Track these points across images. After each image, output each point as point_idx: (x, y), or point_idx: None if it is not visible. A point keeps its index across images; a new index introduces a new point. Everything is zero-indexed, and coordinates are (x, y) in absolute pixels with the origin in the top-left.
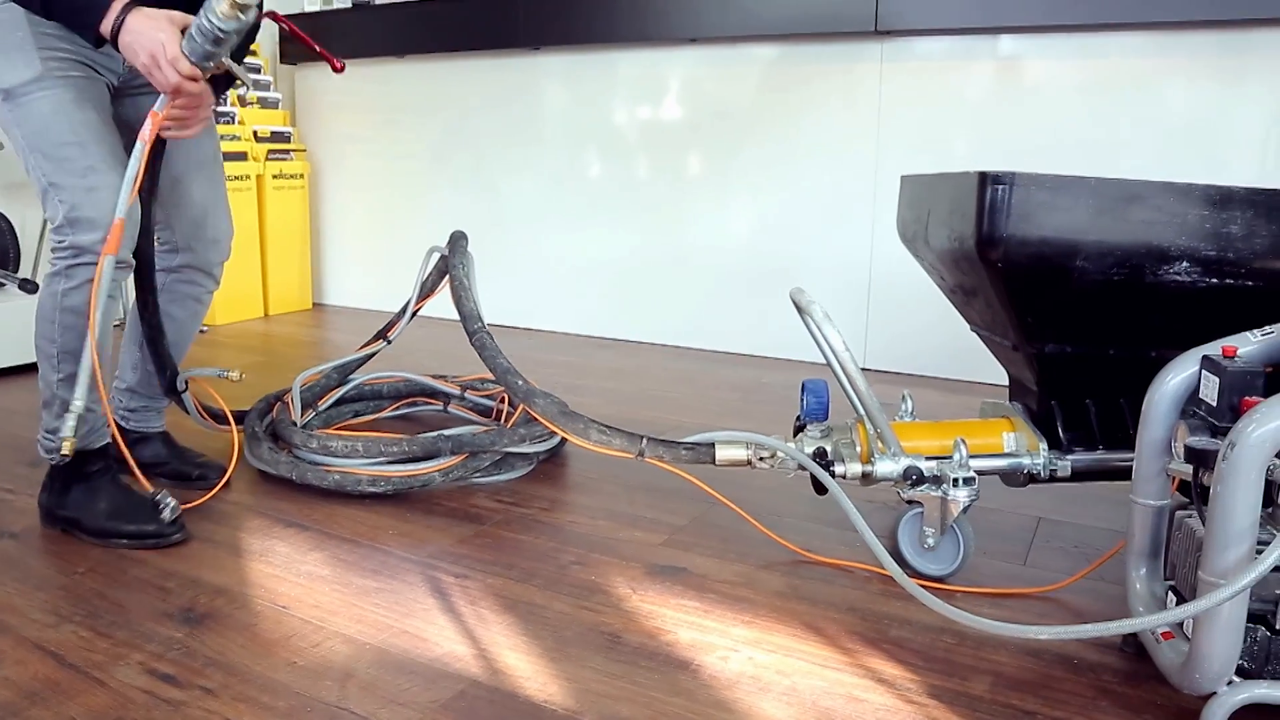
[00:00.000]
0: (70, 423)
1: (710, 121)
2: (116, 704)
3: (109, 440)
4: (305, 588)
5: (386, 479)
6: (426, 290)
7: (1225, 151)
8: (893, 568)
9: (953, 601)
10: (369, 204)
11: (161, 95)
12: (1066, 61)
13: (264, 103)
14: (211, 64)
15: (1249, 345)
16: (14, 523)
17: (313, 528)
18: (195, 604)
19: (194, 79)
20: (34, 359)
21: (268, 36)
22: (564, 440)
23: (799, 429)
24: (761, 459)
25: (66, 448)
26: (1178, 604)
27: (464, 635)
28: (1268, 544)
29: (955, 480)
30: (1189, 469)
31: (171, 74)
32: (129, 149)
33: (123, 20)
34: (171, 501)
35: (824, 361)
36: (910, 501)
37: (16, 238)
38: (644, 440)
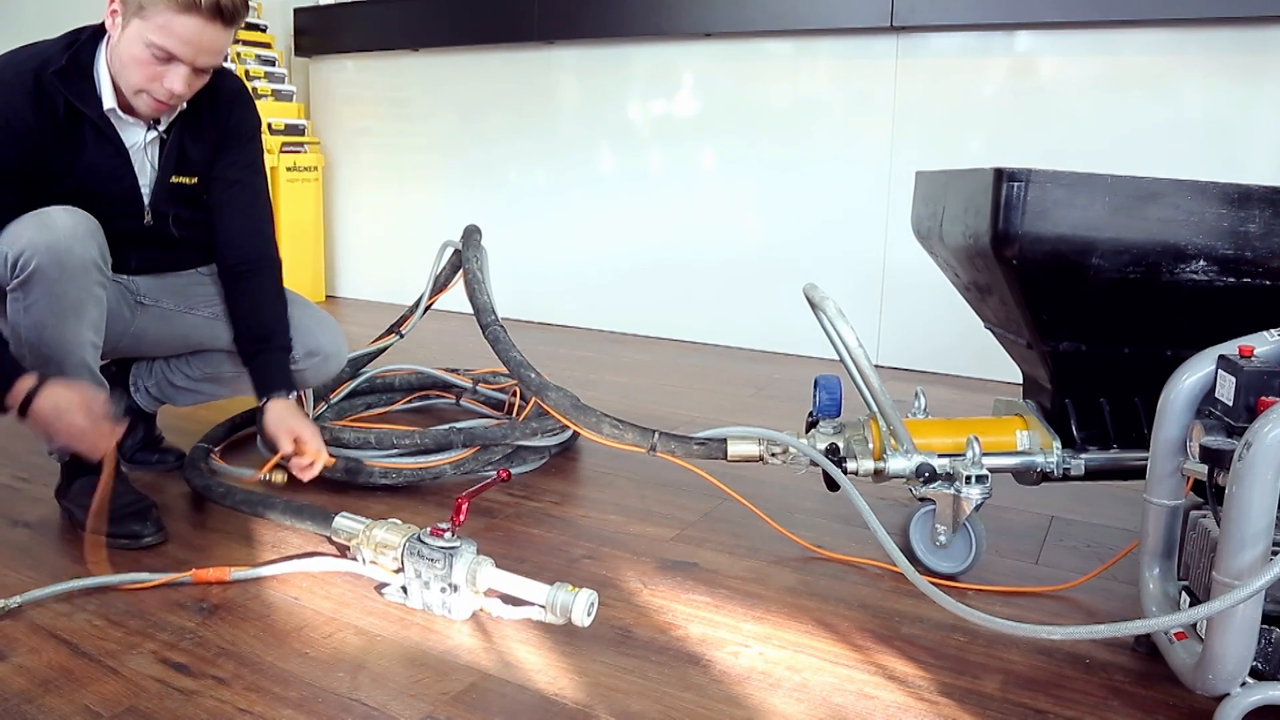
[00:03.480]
0: None
1: (724, 116)
2: (129, 692)
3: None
4: (317, 579)
5: (398, 471)
6: (440, 284)
7: (1242, 149)
8: (904, 565)
9: (964, 599)
10: (382, 197)
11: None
12: (1082, 58)
13: (278, 95)
14: None
15: (1266, 345)
16: (28, 512)
17: None
18: (208, 594)
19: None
20: None
21: (282, 29)
22: (576, 434)
23: (811, 425)
24: (774, 455)
25: None
26: (1191, 605)
27: (475, 628)
28: None
29: (968, 478)
30: (1204, 469)
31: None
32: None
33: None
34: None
35: (837, 357)
36: (922, 499)
37: None
38: (656, 435)
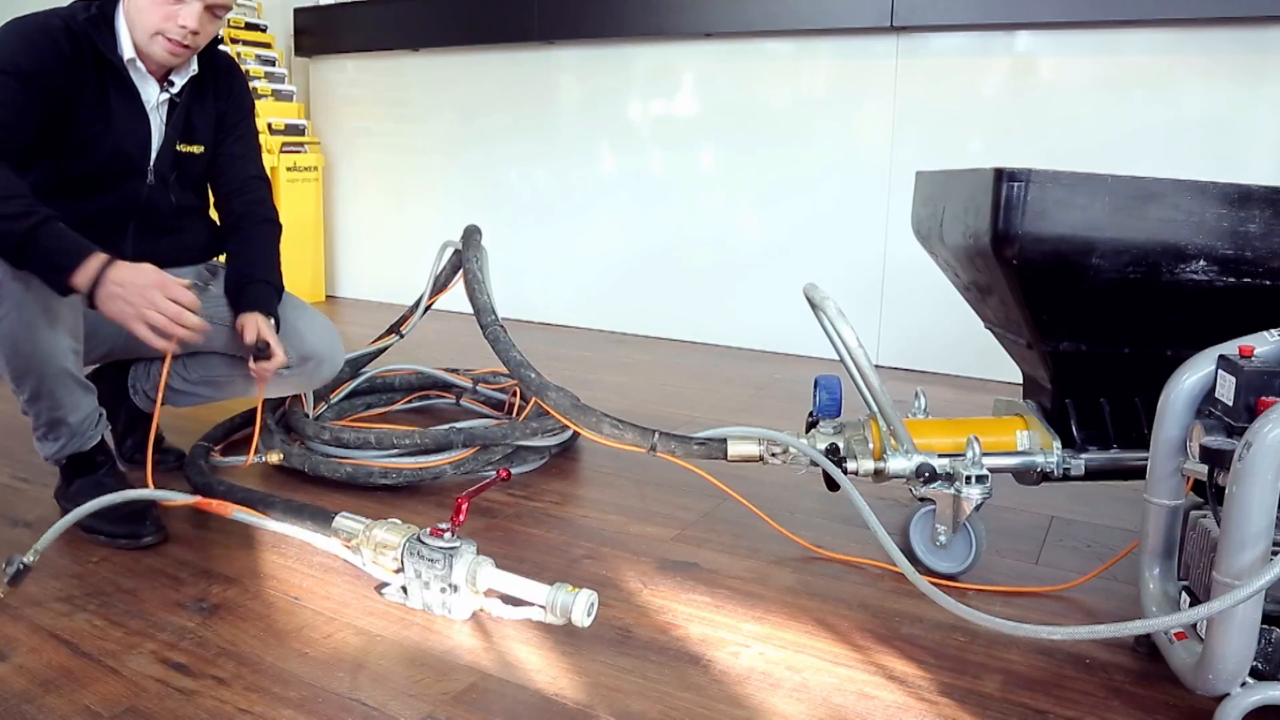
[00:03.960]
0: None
1: (724, 117)
2: (130, 692)
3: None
4: (317, 579)
5: (398, 471)
6: (440, 285)
7: (1243, 149)
8: (904, 565)
9: (964, 600)
10: (382, 197)
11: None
12: (1082, 58)
13: (278, 95)
14: None
15: (1266, 345)
16: (28, 512)
17: None
18: (208, 594)
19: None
20: None
21: (282, 29)
22: (576, 434)
23: (811, 425)
24: (774, 455)
25: None
26: (1191, 605)
27: (475, 628)
28: None
29: (968, 478)
30: (1204, 469)
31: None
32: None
33: (103, 274)
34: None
35: (837, 357)
36: (923, 499)
37: None
38: (656, 435)
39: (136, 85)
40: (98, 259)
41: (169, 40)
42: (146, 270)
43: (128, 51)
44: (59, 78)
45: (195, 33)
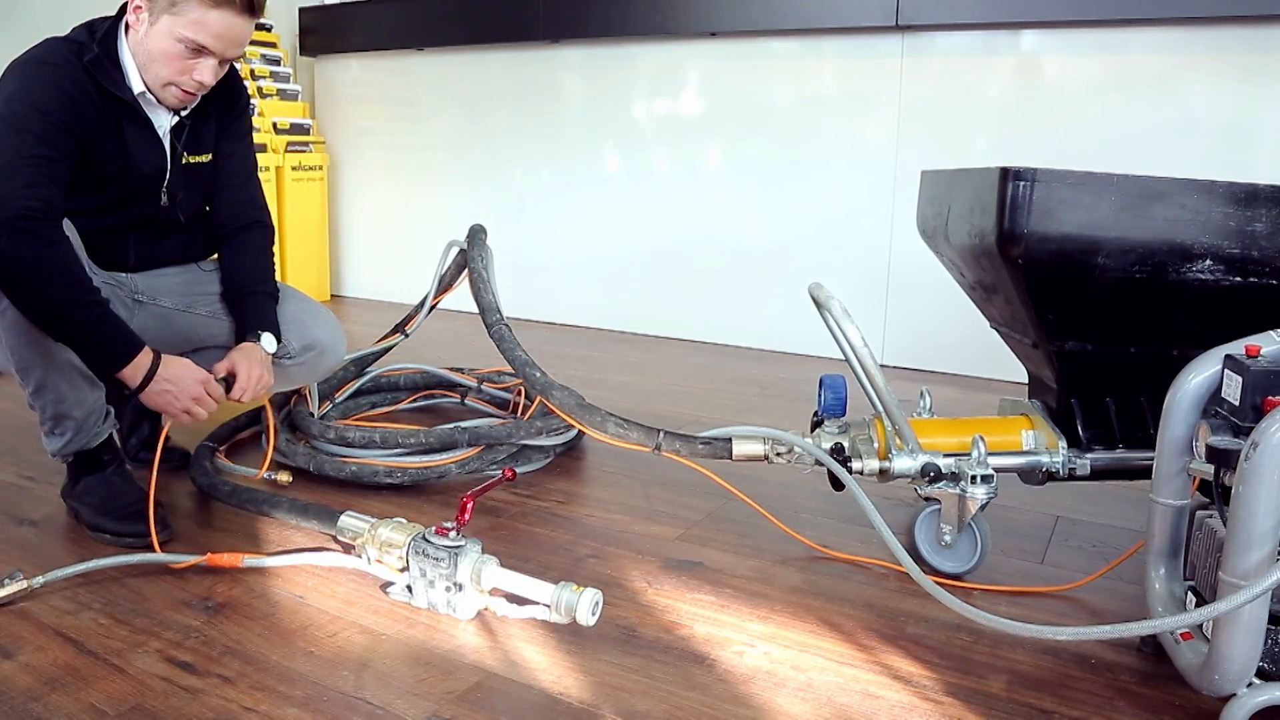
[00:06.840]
0: None
1: (729, 116)
2: (135, 691)
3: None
4: (322, 578)
5: (403, 470)
6: (445, 284)
7: (1249, 149)
8: (909, 565)
9: (970, 599)
10: (387, 196)
11: None
12: (1088, 57)
13: (283, 95)
14: None
15: (1273, 344)
16: (34, 510)
17: None
18: (213, 593)
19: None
20: None
21: (287, 28)
22: (581, 433)
23: (816, 424)
24: (779, 454)
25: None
26: (1197, 605)
27: (480, 627)
28: None
29: (973, 477)
30: (1210, 469)
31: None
32: None
33: (154, 369)
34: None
35: (842, 357)
36: (928, 498)
37: None
38: (661, 434)
39: (149, 115)
40: (147, 355)
41: (183, 91)
42: (190, 368)
43: (136, 85)
44: (86, 119)
45: (209, 86)
